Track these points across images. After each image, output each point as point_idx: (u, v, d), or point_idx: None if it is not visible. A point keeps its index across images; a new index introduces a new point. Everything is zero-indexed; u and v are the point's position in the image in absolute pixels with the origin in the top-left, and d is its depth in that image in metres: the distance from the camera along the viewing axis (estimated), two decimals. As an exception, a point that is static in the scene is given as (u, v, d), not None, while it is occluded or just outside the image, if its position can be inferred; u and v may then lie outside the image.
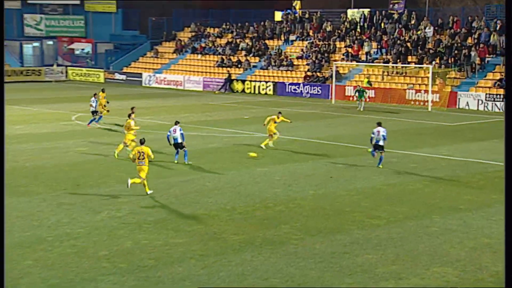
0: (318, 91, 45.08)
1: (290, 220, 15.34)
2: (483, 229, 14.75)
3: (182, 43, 57.81)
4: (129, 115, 22.84)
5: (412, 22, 45.73)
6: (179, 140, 21.48)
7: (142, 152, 17.32)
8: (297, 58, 50.22)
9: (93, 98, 29.16)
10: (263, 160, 22.43)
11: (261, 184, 18.80)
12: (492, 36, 41.06)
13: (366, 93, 38.31)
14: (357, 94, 38.10)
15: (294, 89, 46.36)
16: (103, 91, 30.33)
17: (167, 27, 60.93)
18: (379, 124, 21.68)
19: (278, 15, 55.57)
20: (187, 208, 16.34)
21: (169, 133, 21.58)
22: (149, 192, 17.36)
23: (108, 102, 30.05)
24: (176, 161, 21.48)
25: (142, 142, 17.84)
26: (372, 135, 21.45)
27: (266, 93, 47.56)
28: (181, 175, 19.83)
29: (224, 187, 18.43)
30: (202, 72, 53.41)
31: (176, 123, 21.81)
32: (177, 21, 61.05)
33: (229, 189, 18.14)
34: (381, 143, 21.18)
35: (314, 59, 47.98)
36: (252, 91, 48.59)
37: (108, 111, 29.75)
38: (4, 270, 8.43)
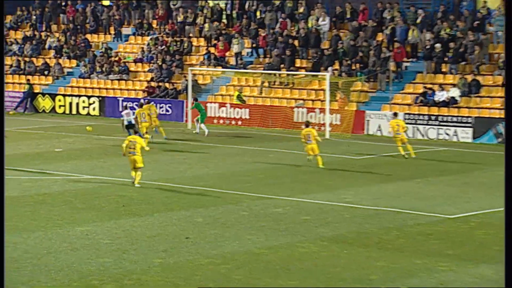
0: (167, 110, 45.33)
1: (125, 305, 15.26)
2: (404, 308, 15.40)
3: (-45, 37, 56.09)
4: (308, 125, 30.54)
5: (301, 10, 47.37)
6: None
7: (134, 141, 25.99)
8: (135, 61, 50.30)
9: (128, 111, 36.64)
10: (83, 214, 22.16)
11: (81, 252, 18.53)
12: (411, 31, 43.35)
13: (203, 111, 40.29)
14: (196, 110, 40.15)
15: (132, 108, 46.22)
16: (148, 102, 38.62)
17: None
18: None
19: (105, -3, 55.51)
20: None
21: None
22: (137, 185, 25.87)
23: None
24: None
25: (136, 131, 29.30)
26: None
27: (88, 113, 47.19)
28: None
29: (23, 257, 18.00)
30: (-12, 81, 52.00)
31: None
32: None
33: (30, 261, 17.73)
34: None
35: (160, 63, 48.30)
36: (68, 111, 47.96)
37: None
38: (4, 270, 11.06)
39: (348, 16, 46.02)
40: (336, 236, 20.39)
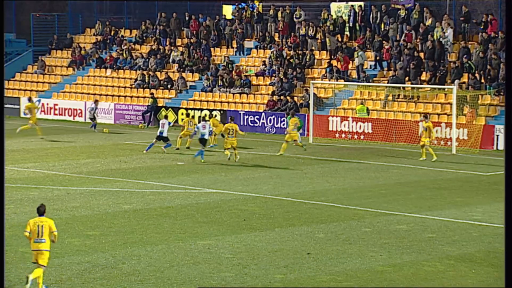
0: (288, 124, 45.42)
1: (246, 321, 15.35)
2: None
3: (83, 52, 57.83)
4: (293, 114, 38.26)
5: (428, 22, 46.82)
6: (207, 137, 34.83)
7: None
8: (257, 75, 50.70)
9: (164, 121, 38.02)
10: (205, 228, 22.43)
11: (202, 266, 18.76)
12: (542, 43, 42.22)
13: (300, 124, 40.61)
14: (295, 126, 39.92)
15: (253, 121, 46.65)
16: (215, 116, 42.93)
17: (58, 28, 60.88)
18: None
19: (227, 11, 56.21)
20: (89, 303, 16.19)
21: (197, 128, 35.79)
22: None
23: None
24: (202, 160, 34.33)
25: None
26: None
27: (210, 127, 47.65)
28: (81, 253, 19.65)
29: (146, 270, 18.33)
30: (113, 95, 53.35)
31: (205, 120, 37.51)
32: (74, 19, 61.09)
33: (154, 274, 18.04)
34: None
35: (281, 76, 48.55)
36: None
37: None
38: (4, 270, 11.84)
39: (482, 27, 45.10)
40: (463, 255, 20.01)
